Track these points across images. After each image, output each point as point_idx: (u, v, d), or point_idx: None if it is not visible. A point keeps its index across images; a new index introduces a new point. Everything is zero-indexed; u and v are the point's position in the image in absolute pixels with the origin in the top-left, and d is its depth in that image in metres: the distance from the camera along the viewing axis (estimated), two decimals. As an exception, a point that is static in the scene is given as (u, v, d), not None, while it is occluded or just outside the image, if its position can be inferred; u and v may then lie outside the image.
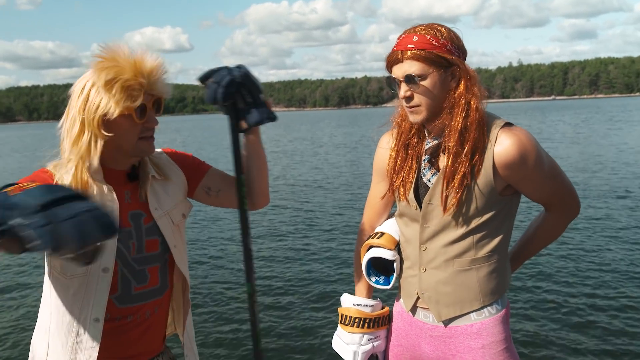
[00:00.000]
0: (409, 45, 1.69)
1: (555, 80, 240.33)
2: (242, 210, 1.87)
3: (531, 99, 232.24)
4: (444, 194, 1.74)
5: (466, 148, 1.71)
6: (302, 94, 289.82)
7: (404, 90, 1.74)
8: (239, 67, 1.73)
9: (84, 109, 1.58)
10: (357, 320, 1.94)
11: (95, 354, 1.66)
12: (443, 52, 1.69)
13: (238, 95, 1.74)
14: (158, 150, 1.86)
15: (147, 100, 1.62)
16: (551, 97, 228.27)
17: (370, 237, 1.98)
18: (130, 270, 1.71)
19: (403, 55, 1.70)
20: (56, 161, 1.68)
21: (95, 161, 1.61)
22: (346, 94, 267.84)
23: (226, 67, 1.72)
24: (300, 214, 11.00)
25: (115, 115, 1.56)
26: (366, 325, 1.94)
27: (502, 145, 1.70)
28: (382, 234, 1.96)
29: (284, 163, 20.71)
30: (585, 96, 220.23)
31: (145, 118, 1.63)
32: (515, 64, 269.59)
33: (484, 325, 1.80)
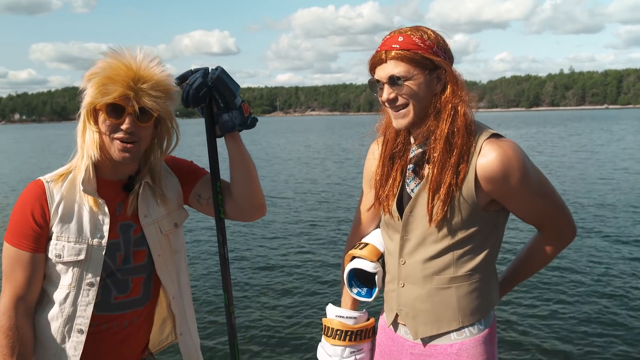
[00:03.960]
0: (393, 46, 1.63)
1: (608, 88, 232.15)
2: (218, 219, 1.81)
3: (582, 107, 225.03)
4: (430, 205, 1.68)
5: (452, 157, 1.63)
6: (346, 98, 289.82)
7: (387, 92, 1.67)
8: (215, 68, 1.68)
9: (83, 104, 1.64)
10: (338, 332, 1.90)
11: None
12: (429, 53, 1.62)
13: (213, 99, 1.70)
14: None
15: (128, 104, 1.61)
16: (604, 106, 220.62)
17: (354, 247, 1.95)
18: (113, 280, 1.71)
19: (387, 56, 1.64)
20: (59, 171, 1.72)
21: (96, 153, 1.64)
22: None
23: (204, 69, 1.68)
24: (292, 221, 10.92)
25: (85, 105, 1.61)
26: (347, 338, 1.90)
27: (486, 158, 1.62)
28: (366, 244, 1.91)
29: (279, 168, 20.76)
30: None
31: (121, 120, 1.62)
32: (566, 71, 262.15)
33: (464, 345, 1.74)
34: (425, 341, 1.79)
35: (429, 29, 1.68)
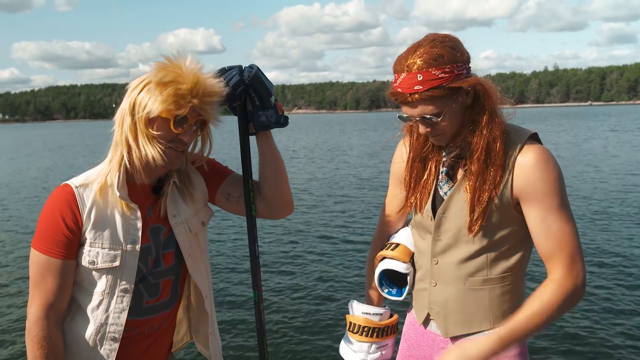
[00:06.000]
0: (416, 88, 1.54)
1: (592, 85, 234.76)
2: (250, 216, 1.81)
3: (567, 104, 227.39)
4: (471, 216, 1.66)
5: (491, 168, 1.61)
6: (333, 96, 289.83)
7: (422, 129, 1.64)
8: (251, 67, 1.68)
9: (134, 106, 1.58)
10: (365, 329, 1.90)
11: None
12: (454, 80, 1.54)
13: (247, 97, 1.70)
14: None
15: (192, 115, 1.60)
16: (588, 103, 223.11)
17: (384, 247, 1.93)
18: (145, 285, 1.70)
19: (412, 98, 1.56)
20: (87, 175, 1.68)
21: (160, 158, 1.60)
22: (377, 97, 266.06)
23: (238, 67, 1.67)
24: (313, 218, 10.93)
25: (155, 113, 1.55)
26: (375, 334, 1.90)
27: (524, 156, 1.59)
28: (397, 245, 1.90)
29: (300, 167, 20.75)
30: (623, 102, 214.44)
31: (183, 131, 1.60)
32: (551, 68, 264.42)
33: None
34: (458, 337, 1.79)
35: (439, 42, 1.56)
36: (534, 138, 1.66)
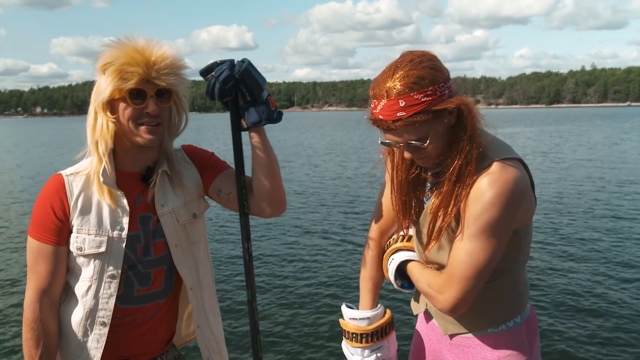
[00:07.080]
0: (399, 114, 1.47)
1: (631, 85, 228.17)
2: (242, 214, 1.79)
3: (604, 104, 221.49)
4: (428, 234, 1.65)
5: (459, 190, 1.55)
6: (364, 93, 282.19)
7: (407, 155, 1.59)
8: (242, 61, 1.65)
9: (95, 98, 1.63)
10: (354, 335, 1.88)
11: (99, 354, 1.71)
12: (437, 102, 1.48)
13: (239, 92, 1.67)
14: (177, 147, 1.85)
15: (148, 87, 1.61)
16: (626, 103, 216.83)
17: (395, 241, 1.89)
18: (135, 273, 1.71)
19: (396, 125, 1.49)
20: (79, 165, 1.73)
21: (110, 143, 1.62)
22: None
23: (230, 61, 1.64)
24: (312, 217, 10.88)
25: (107, 95, 1.58)
26: (364, 340, 1.87)
27: (482, 179, 1.52)
28: (410, 236, 1.86)
29: (303, 164, 20.78)
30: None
31: (144, 104, 1.61)
32: (588, 67, 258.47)
33: (500, 337, 1.72)
34: (456, 334, 1.79)
35: (418, 63, 1.48)
36: (510, 160, 1.54)
